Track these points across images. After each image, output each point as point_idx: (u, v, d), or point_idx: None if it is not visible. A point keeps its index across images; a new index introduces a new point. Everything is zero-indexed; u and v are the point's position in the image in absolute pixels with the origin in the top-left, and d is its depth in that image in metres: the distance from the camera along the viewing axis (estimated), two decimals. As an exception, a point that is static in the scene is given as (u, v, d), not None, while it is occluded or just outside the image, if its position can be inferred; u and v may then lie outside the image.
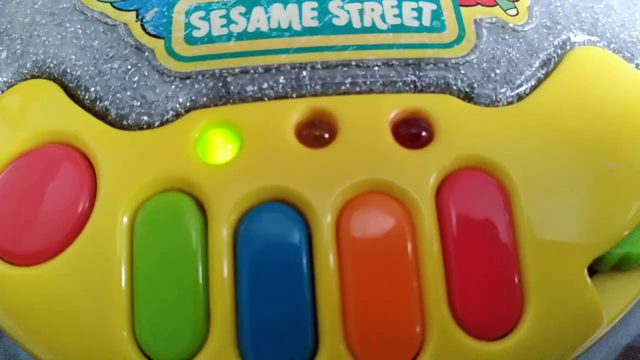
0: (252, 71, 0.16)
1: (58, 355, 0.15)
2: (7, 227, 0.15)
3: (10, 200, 0.15)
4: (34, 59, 0.17)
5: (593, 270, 0.15)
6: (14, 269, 0.15)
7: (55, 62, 0.17)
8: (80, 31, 0.17)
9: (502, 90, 0.16)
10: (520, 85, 0.16)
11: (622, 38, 0.17)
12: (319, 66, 0.16)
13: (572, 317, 0.15)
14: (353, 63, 0.16)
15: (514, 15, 0.17)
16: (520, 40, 0.17)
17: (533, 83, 0.16)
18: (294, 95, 0.16)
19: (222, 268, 0.14)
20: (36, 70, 0.17)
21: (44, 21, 0.17)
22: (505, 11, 0.17)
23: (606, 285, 0.16)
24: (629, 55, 0.17)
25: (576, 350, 0.15)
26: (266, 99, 0.16)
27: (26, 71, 0.17)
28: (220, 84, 0.16)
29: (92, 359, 0.15)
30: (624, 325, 0.19)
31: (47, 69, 0.17)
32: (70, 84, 0.16)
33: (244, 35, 0.16)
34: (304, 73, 0.16)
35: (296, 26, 0.16)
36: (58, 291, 0.15)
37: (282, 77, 0.16)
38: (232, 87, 0.16)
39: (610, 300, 0.15)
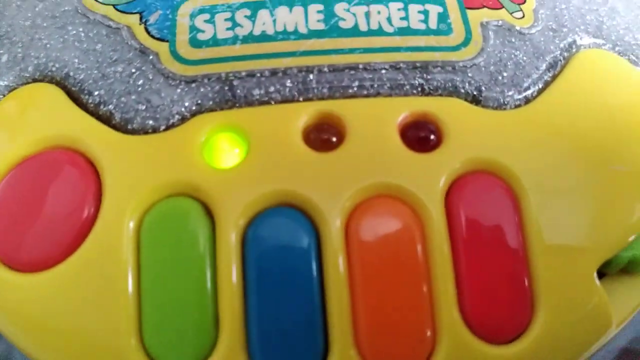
0: (258, 74, 0.16)
1: (64, 363, 0.15)
2: (10, 234, 0.15)
3: (13, 206, 0.15)
4: (35, 62, 0.17)
5: (601, 274, 0.15)
6: (18, 275, 0.15)
7: (57, 66, 0.16)
8: (82, 34, 0.17)
9: (510, 93, 0.16)
10: (528, 88, 0.16)
11: (627, 41, 0.18)
12: (326, 69, 0.16)
13: (581, 320, 0.15)
14: (360, 66, 0.16)
15: (520, 18, 0.17)
16: (527, 43, 0.17)
17: (540, 86, 0.16)
18: (301, 99, 0.16)
19: (231, 273, 0.14)
20: (38, 73, 0.16)
21: (45, 24, 0.17)
22: (511, 14, 0.17)
23: (614, 287, 0.16)
24: (634, 58, 0.17)
25: (585, 353, 0.15)
26: (273, 102, 0.16)
27: (27, 75, 0.17)
28: (226, 88, 0.15)
29: (98, 368, 0.14)
30: (620, 329, 0.20)
31: (49, 73, 0.16)
32: (73, 88, 0.16)
33: (249, 38, 0.16)
34: (311, 76, 0.16)
35: (302, 29, 0.16)
36: (63, 298, 0.14)
37: (288, 81, 0.16)
38: (238, 91, 0.15)
39: (619, 303, 0.15)
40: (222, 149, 0.15)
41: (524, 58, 0.16)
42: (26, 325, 0.15)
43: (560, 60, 0.17)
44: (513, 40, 0.17)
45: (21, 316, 0.15)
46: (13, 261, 0.15)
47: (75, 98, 0.16)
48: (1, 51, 0.17)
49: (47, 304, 0.15)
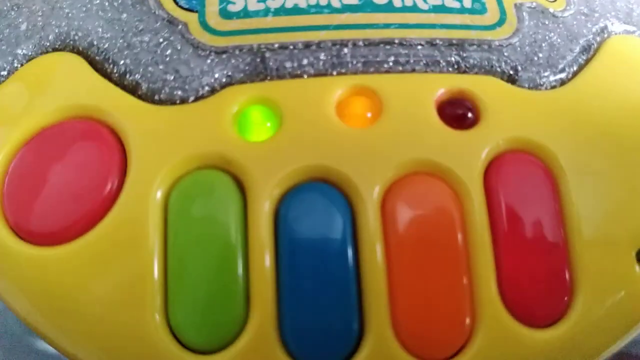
0: (291, 47, 0.15)
1: (82, 342, 0.14)
2: (26, 205, 0.14)
3: (31, 176, 0.14)
4: (56, 31, 0.16)
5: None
6: (34, 248, 0.14)
7: (80, 35, 0.16)
8: (106, 3, 0.16)
9: (545, 74, 0.16)
10: (563, 70, 0.16)
11: (657, 28, 0.17)
12: (361, 43, 0.15)
13: (620, 304, 0.14)
14: (396, 41, 0.15)
15: (553, 2, 0.17)
16: (560, 25, 0.16)
17: (575, 68, 0.16)
18: (334, 73, 0.15)
19: (263, 249, 0.14)
20: (59, 42, 0.16)
21: (66, -7, 0.16)
22: (544, -4, 0.17)
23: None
24: (664, 45, 0.17)
25: (623, 338, 0.14)
26: (305, 75, 0.15)
27: (48, 44, 0.16)
28: (258, 59, 0.15)
29: (120, 346, 0.14)
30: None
31: (71, 42, 0.16)
32: (97, 57, 0.15)
33: (281, 11, 0.16)
34: (346, 50, 0.15)
35: (335, 3, 0.16)
36: (84, 271, 0.14)
37: (322, 54, 0.15)
38: (270, 63, 0.15)
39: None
40: (254, 121, 0.15)
41: (558, 40, 0.16)
42: (41, 300, 0.14)
43: (594, 44, 0.16)
44: (547, 22, 0.16)
45: (36, 291, 0.14)
46: (29, 233, 0.14)
47: (98, 68, 0.15)
48: (20, 19, 0.16)
49: (65, 277, 0.14)
